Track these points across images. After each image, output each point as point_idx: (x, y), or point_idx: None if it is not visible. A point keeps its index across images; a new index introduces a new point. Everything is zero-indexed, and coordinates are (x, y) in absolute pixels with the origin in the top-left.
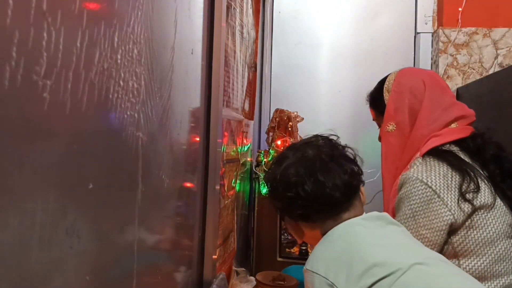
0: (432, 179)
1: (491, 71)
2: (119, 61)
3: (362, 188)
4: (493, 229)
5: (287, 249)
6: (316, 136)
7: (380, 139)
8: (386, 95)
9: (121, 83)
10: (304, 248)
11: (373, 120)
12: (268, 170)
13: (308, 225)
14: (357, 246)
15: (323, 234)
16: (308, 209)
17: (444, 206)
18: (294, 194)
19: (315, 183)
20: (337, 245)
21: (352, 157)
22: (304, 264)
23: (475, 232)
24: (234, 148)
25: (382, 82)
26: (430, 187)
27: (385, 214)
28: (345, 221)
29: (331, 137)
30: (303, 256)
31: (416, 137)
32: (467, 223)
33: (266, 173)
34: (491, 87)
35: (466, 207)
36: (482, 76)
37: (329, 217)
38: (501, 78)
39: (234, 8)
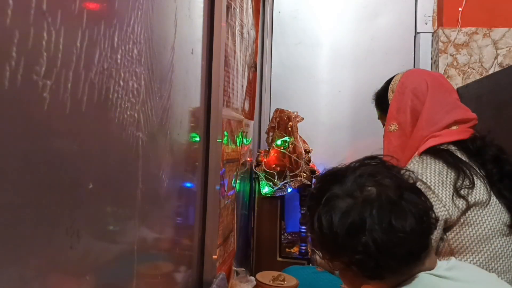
0: (427, 175)
1: (491, 71)
2: (119, 61)
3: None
4: (488, 226)
5: (287, 249)
6: (362, 161)
7: None
8: (390, 95)
9: (121, 83)
10: (304, 248)
11: (378, 119)
12: (311, 211)
13: (374, 282)
14: None
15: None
16: (380, 269)
17: (439, 202)
18: (362, 249)
19: (389, 232)
20: None
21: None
22: (304, 264)
23: (470, 229)
24: (234, 148)
25: (389, 82)
26: (425, 183)
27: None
28: (418, 273)
29: (378, 158)
30: (303, 256)
31: (416, 138)
32: (461, 220)
33: (307, 216)
34: (491, 87)
35: (461, 204)
36: (482, 76)
37: (401, 272)
38: (501, 78)
39: (234, 8)
